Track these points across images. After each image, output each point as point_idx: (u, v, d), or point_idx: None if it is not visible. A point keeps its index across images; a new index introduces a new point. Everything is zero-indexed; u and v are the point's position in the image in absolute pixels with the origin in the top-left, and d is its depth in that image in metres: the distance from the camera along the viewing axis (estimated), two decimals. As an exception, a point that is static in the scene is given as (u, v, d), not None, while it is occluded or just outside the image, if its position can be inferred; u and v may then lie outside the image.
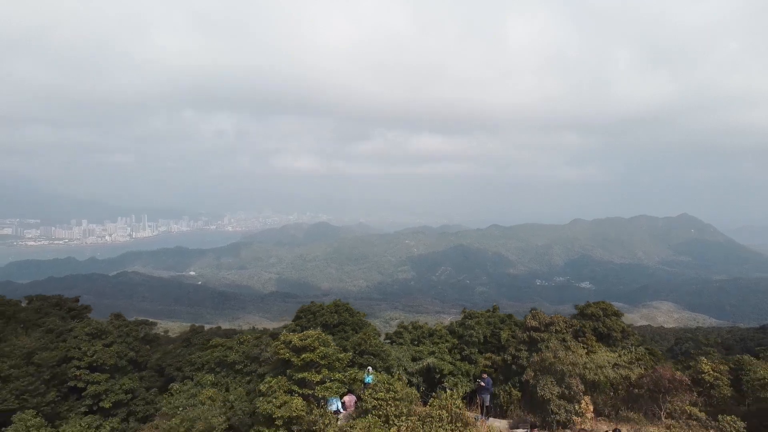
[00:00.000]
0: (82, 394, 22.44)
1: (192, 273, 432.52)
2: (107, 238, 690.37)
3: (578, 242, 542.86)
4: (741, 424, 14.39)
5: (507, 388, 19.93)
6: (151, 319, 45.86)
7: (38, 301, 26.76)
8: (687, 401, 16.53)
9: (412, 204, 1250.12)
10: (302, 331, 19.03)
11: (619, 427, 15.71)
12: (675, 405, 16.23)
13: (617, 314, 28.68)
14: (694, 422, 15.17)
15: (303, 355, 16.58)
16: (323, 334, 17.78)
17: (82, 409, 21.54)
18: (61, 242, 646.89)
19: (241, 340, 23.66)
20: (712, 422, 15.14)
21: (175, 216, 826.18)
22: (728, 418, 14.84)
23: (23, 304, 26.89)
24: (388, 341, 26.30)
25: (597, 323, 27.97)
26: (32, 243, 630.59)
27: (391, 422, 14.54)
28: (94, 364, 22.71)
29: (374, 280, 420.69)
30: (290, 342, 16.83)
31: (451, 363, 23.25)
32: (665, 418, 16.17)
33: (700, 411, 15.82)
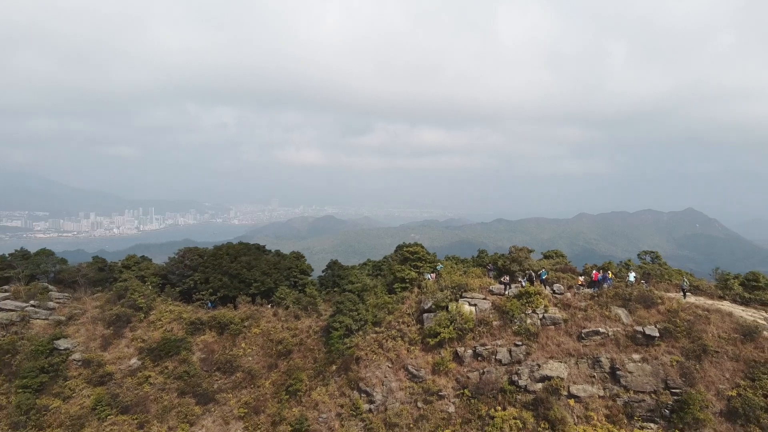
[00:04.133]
0: (296, 284, 47.49)
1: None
2: (115, 230, 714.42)
3: (583, 236, 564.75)
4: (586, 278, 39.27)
5: (500, 280, 44.86)
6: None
7: (250, 246, 51.69)
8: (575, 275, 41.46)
9: (417, 198, 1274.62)
10: (405, 250, 44.45)
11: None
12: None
13: (563, 255, 53.49)
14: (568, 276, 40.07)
15: (414, 255, 41.75)
16: (422, 247, 42.88)
17: (295, 292, 46.55)
18: (69, 234, 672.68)
19: (367, 263, 48.64)
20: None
21: (181, 209, 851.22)
22: (581, 278, 39.85)
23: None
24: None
25: (550, 258, 52.98)
26: (41, 235, 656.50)
27: (452, 274, 39.66)
28: (302, 271, 47.69)
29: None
30: (409, 250, 42.03)
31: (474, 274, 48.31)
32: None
33: (580, 276, 40.78)
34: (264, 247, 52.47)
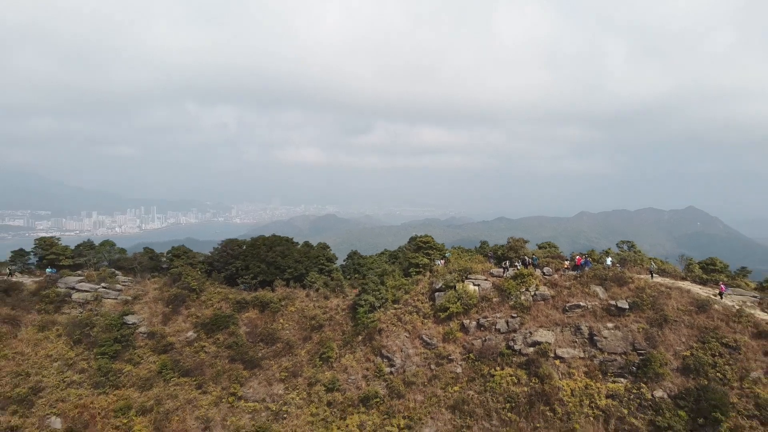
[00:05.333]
0: (323, 270, 55.35)
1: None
2: (117, 229, 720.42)
3: (584, 234, 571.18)
4: (572, 263, 46.98)
5: (501, 264, 52.66)
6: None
7: (281, 238, 59.42)
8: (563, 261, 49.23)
9: (418, 196, 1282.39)
10: (418, 241, 52.33)
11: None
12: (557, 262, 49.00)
13: (555, 246, 61.33)
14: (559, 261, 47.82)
15: (426, 244, 49.52)
16: (432, 238, 50.68)
17: (323, 276, 54.38)
18: (72, 233, 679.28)
19: (384, 252, 56.66)
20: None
21: (183, 208, 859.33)
22: (567, 262, 47.64)
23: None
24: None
25: (544, 249, 60.82)
26: (44, 234, 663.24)
27: (458, 260, 47.47)
28: (328, 259, 55.50)
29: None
30: (422, 240, 49.86)
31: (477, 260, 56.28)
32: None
33: (566, 261, 48.48)
34: (292, 239, 60.29)
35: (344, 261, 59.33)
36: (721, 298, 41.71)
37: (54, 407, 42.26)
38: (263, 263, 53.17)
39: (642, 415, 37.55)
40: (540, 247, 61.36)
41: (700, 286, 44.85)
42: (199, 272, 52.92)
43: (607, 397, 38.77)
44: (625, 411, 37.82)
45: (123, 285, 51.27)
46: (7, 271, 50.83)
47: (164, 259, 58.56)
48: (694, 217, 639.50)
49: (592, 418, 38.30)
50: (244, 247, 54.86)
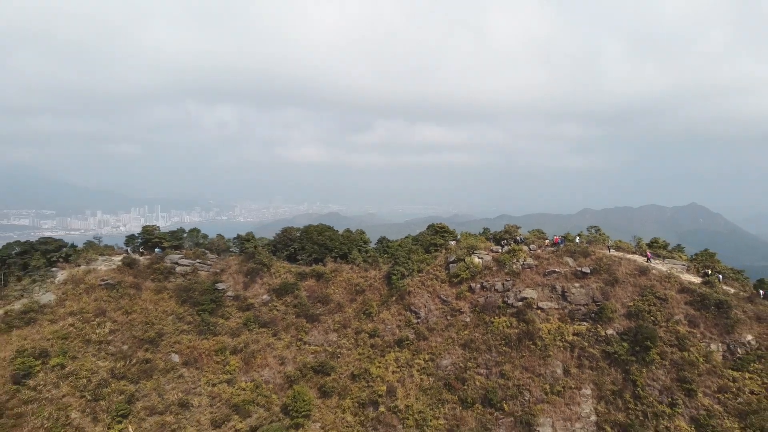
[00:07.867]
0: (361, 250, 72.22)
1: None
2: (122, 228, 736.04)
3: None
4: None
5: (498, 244, 69.46)
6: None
7: (326, 226, 76.31)
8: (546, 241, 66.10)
9: (420, 195, 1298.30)
10: (436, 227, 69.45)
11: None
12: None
13: (542, 231, 78.20)
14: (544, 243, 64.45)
15: (442, 229, 66.52)
16: (446, 225, 67.58)
17: (362, 254, 71.60)
18: (77, 232, 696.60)
19: (408, 236, 74.25)
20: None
21: (186, 207, 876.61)
22: (547, 241, 64.40)
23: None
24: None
25: (532, 233, 77.79)
26: (49, 233, 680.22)
27: (466, 240, 64.48)
28: (364, 241, 72.45)
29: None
30: (438, 226, 66.86)
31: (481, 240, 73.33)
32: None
33: (547, 240, 65.27)
34: (333, 227, 77.39)
35: (375, 244, 76.26)
36: (648, 261, 58.72)
37: (173, 347, 59.14)
38: (315, 245, 70.16)
39: (597, 346, 54.37)
40: (530, 232, 78.42)
41: (644, 258, 61.70)
42: (267, 251, 69.87)
43: (573, 334, 55.61)
44: (586, 343, 54.67)
45: (211, 261, 68.33)
46: (140, 250, 68.20)
47: (231, 243, 75.52)
48: (696, 214, 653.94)
49: (562, 349, 55.19)
50: (299, 234, 71.83)
